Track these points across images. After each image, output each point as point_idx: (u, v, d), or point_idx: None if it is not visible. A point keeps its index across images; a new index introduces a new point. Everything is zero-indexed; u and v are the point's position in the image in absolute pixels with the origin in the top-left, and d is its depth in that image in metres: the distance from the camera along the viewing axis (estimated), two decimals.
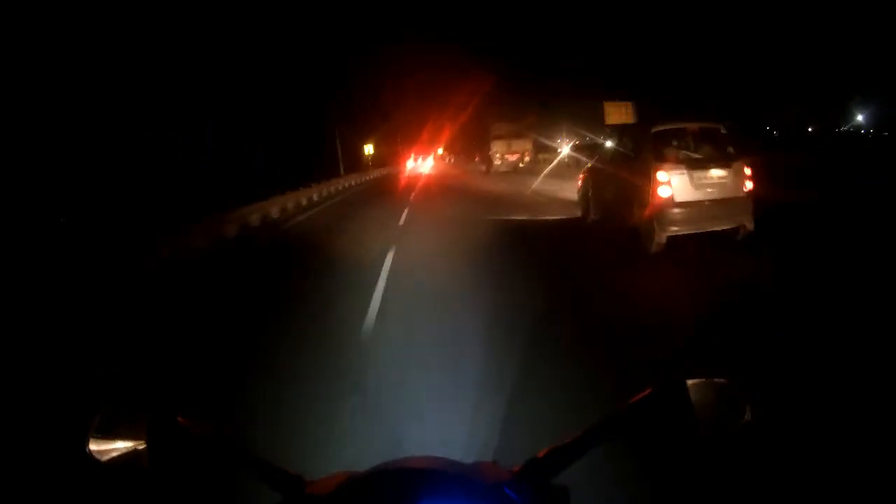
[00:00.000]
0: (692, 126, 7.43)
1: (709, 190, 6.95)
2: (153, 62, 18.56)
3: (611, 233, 8.11)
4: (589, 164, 9.81)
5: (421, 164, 28.78)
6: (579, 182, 10.02)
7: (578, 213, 10.11)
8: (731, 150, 7.31)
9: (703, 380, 0.76)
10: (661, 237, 6.80)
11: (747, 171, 7.14)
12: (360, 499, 0.68)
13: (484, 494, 0.67)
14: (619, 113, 22.73)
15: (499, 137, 28.25)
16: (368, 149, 35.64)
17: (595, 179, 9.16)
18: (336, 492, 0.69)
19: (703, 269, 6.24)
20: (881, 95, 34.03)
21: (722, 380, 0.78)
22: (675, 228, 6.81)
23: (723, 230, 7.01)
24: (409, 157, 30.92)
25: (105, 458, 0.75)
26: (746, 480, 2.34)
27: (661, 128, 7.31)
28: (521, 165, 27.80)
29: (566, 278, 6.32)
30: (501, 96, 33.24)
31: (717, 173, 7.01)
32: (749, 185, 7.13)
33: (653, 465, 2.28)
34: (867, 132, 38.95)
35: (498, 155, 27.76)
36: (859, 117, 40.48)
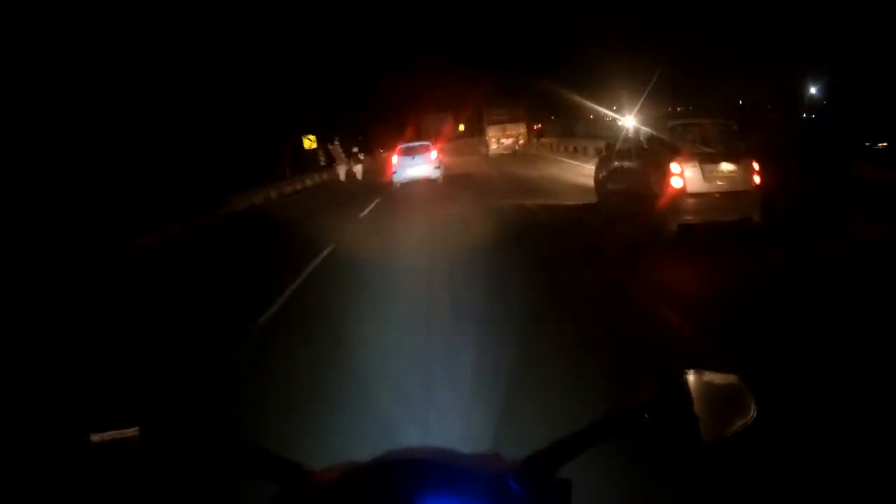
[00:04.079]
0: (706, 122, 7.86)
1: (719, 182, 7.40)
2: (154, 63, 18.36)
3: (626, 219, 8.60)
4: (604, 153, 10.24)
5: (416, 166, 17.31)
6: (595, 170, 10.48)
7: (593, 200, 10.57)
8: (741, 146, 7.75)
9: (707, 375, 0.75)
10: (673, 225, 7.27)
11: (755, 166, 7.58)
12: (361, 491, 0.69)
13: (487, 486, 0.68)
14: None
15: (494, 122, 29.53)
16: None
17: (611, 167, 9.61)
18: (337, 484, 0.70)
19: (716, 258, 6.69)
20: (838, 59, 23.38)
21: (729, 375, 0.77)
22: (687, 217, 7.27)
23: (732, 221, 7.47)
24: (394, 153, 18.28)
25: (98, 447, 0.71)
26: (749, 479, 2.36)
27: (676, 122, 7.75)
28: (516, 148, 29.13)
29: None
30: (496, 83, 32.44)
31: (727, 167, 7.46)
32: (757, 179, 7.57)
33: (655, 462, 2.26)
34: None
35: (494, 139, 29.15)
36: (812, 90, 30.16)
